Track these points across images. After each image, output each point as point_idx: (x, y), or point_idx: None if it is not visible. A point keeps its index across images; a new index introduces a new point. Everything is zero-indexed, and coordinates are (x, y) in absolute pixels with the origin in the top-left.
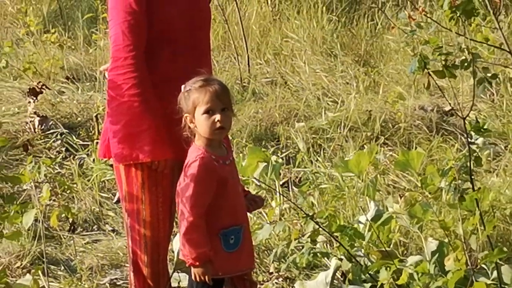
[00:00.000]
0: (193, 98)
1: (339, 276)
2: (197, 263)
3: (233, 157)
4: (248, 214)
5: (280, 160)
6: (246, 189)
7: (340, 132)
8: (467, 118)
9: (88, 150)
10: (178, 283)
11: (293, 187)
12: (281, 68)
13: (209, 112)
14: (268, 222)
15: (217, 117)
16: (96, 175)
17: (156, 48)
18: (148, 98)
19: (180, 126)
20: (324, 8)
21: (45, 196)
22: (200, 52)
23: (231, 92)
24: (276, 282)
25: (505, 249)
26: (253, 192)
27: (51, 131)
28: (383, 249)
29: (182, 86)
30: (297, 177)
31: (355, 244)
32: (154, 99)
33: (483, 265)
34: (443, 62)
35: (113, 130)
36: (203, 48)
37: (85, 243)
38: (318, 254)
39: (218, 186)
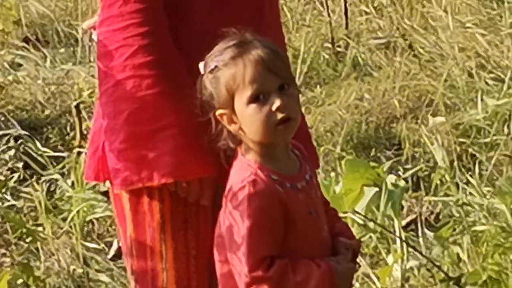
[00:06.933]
0: (225, 81)
1: None
2: (333, 284)
3: (313, 174)
4: None
5: (402, 183)
6: (339, 227)
7: (508, 134)
8: None
9: (63, 167)
10: None
11: (425, 230)
12: (403, 21)
13: (258, 97)
14: None
15: (276, 102)
16: (78, 212)
17: None
18: (168, 72)
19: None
20: None
21: None
22: None
23: (286, 58)
24: None
25: None
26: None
27: None
28: None
29: (200, 65)
30: (432, 213)
31: None
32: (180, 73)
33: None
34: None
35: (108, 130)
36: None
37: None
38: None
39: (285, 228)
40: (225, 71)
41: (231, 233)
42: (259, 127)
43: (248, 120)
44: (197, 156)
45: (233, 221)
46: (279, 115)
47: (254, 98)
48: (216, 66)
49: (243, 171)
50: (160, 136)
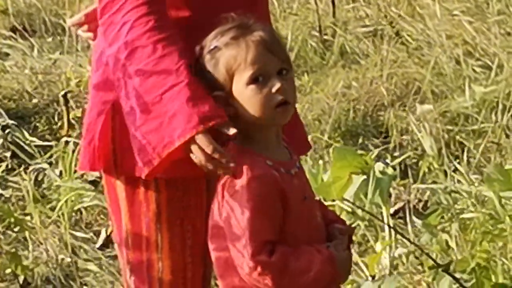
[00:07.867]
0: (226, 61)
1: None
2: (334, 270)
3: (301, 165)
4: None
5: (390, 171)
6: (331, 215)
7: (496, 122)
8: None
9: (51, 156)
10: None
11: (414, 218)
12: (390, 10)
13: (258, 79)
14: (370, 277)
15: (276, 84)
16: (66, 201)
17: None
18: (164, 36)
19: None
20: None
21: None
22: None
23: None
24: None
25: None
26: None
27: None
28: None
29: (197, 49)
30: (420, 200)
31: None
32: (176, 35)
33: None
34: None
35: (127, 114)
36: None
37: None
38: None
39: (283, 213)
40: (225, 51)
41: (230, 220)
42: (258, 108)
43: (247, 101)
44: (209, 102)
45: (232, 208)
46: (279, 97)
47: (254, 79)
48: (216, 47)
49: (239, 158)
50: (167, 98)
